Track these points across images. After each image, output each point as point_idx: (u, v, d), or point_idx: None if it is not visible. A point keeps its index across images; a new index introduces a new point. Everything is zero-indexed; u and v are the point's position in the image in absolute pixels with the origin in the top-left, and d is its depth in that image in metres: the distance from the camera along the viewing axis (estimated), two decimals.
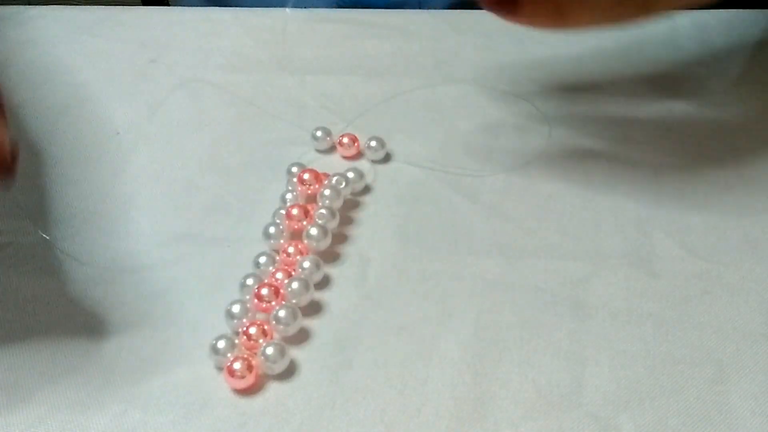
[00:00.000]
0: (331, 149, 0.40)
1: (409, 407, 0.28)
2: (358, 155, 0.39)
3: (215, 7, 0.50)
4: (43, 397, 0.29)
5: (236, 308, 0.31)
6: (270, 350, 0.29)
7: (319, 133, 0.39)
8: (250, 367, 0.29)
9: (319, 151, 0.40)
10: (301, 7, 0.49)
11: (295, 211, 0.35)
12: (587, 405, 0.28)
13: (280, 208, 0.35)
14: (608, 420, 0.28)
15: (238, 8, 0.50)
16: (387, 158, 0.39)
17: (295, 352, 0.30)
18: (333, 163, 0.39)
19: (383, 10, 0.51)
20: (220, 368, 0.30)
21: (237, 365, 0.29)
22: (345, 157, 0.39)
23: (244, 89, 0.43)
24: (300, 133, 0.40)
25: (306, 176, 0.36)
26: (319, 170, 0.37)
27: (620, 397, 0.28)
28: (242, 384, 0.29)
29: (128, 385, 0.29)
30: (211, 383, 0.29)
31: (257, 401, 0.29)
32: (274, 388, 0.29)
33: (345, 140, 0.39)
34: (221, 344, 0.30)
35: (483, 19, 0.49)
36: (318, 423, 0.28)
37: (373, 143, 0.39)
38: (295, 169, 0.37)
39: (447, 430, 0.28)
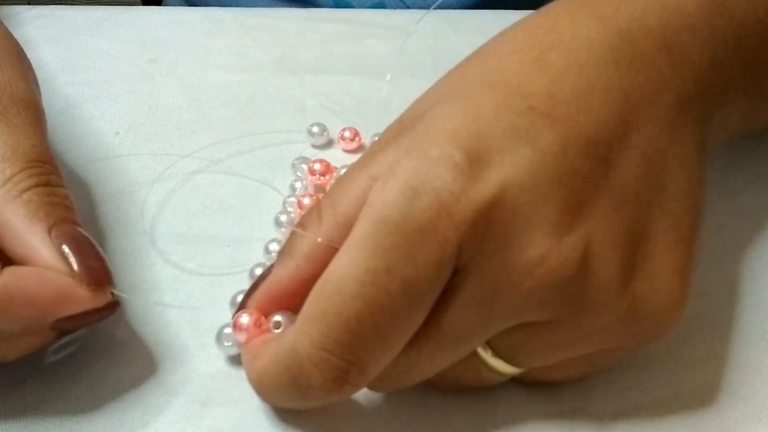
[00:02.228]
0: (328, 144, 0.40)
1: (409, 407, 0.28)
2: (360, 149, 0.40)
3: (215, 7, 0.50)
4: (41, 396, 0.29)
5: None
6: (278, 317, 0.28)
7: (315, 129, 0.40)
8: (260, 324, 0.28)
9: (315, 146, 0.40)
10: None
11: (306, 200, 0.35)
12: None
13: (289, 197, 0.36)
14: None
15: (238, 8, 0.50)
16: None
17: None
18: (333, 159, 0.39)
19: (383, 10, 0.51)
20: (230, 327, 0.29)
21: (244, 318, 0.28)
22: (346, 151, 0.40)
23: (244, 89, 0.43)
24: (300, 133, 0.40)
25: (317, 166, 0.37)
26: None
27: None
28: (245, 336, 0.28)
29: (127, 385, 0.29)
30: (211, 383, 0.29)
31: (257, 401, 0.29)
32: None
33: (347, 134, 0.39)
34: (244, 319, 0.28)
35: (483, 19, 0.49)
36: (318, 423, 0.28)
37: (377, 140, 0.39)
38: (303, 162, 0.38)
39: (446, 430, 0.28)
